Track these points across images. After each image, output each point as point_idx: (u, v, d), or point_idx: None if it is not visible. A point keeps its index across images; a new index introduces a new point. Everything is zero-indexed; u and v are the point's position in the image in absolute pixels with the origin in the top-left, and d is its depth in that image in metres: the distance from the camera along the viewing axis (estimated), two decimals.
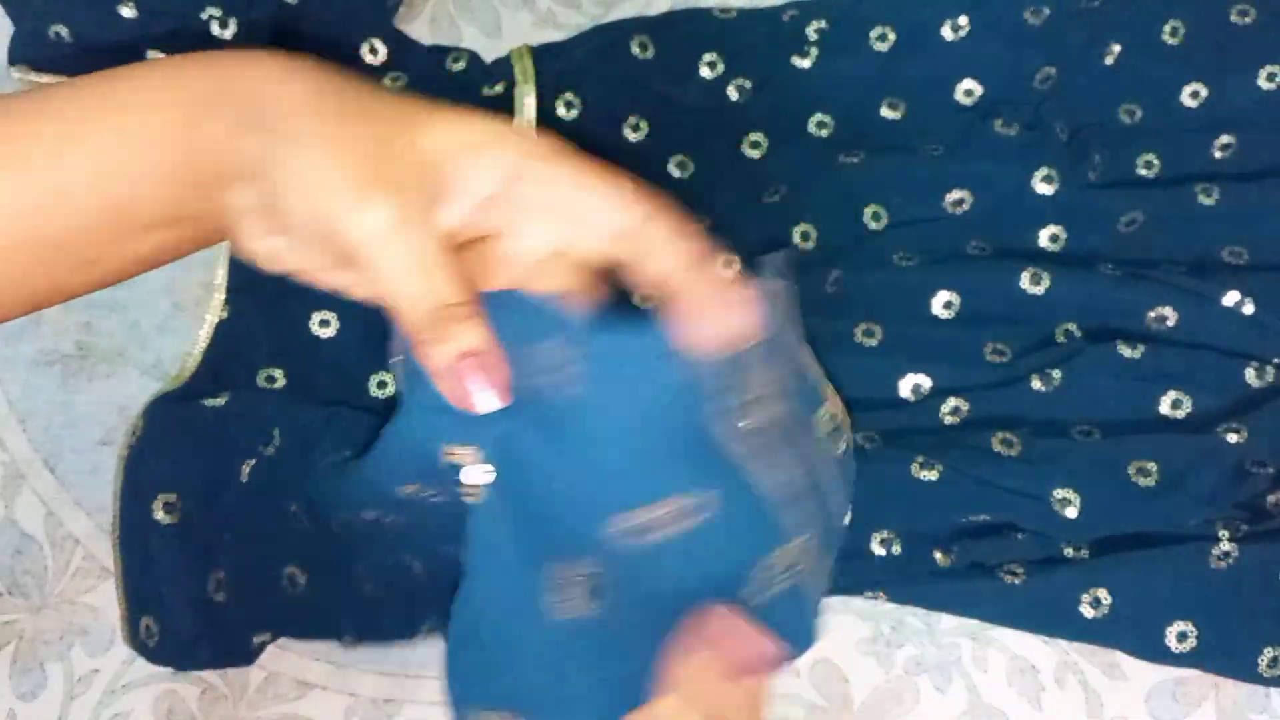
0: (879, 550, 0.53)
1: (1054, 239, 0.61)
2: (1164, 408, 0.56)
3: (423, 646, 0.55)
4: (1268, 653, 0.52)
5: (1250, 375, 0.56)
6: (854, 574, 0.53)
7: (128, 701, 0.55)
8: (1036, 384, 0.56)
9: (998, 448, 0.55)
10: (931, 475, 0.53)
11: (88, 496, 0.58)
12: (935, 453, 0.54)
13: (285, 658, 0.56)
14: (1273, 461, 0.54)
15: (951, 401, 0.57)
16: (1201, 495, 0.54)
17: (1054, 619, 0.53)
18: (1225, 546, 0.52)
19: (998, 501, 0.54)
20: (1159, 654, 0.53)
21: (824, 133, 0.64)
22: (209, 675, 0.55)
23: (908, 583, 0.53)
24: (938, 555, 0.53)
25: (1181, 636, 0.52)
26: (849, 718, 0.54)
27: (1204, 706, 0.54)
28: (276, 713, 0.55)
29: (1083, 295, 0.58)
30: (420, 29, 0.68)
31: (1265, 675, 0.52)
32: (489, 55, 0.66)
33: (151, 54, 0.57)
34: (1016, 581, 0.53)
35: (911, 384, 0.57)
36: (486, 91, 0.64)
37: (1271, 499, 0.54)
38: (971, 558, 0.53)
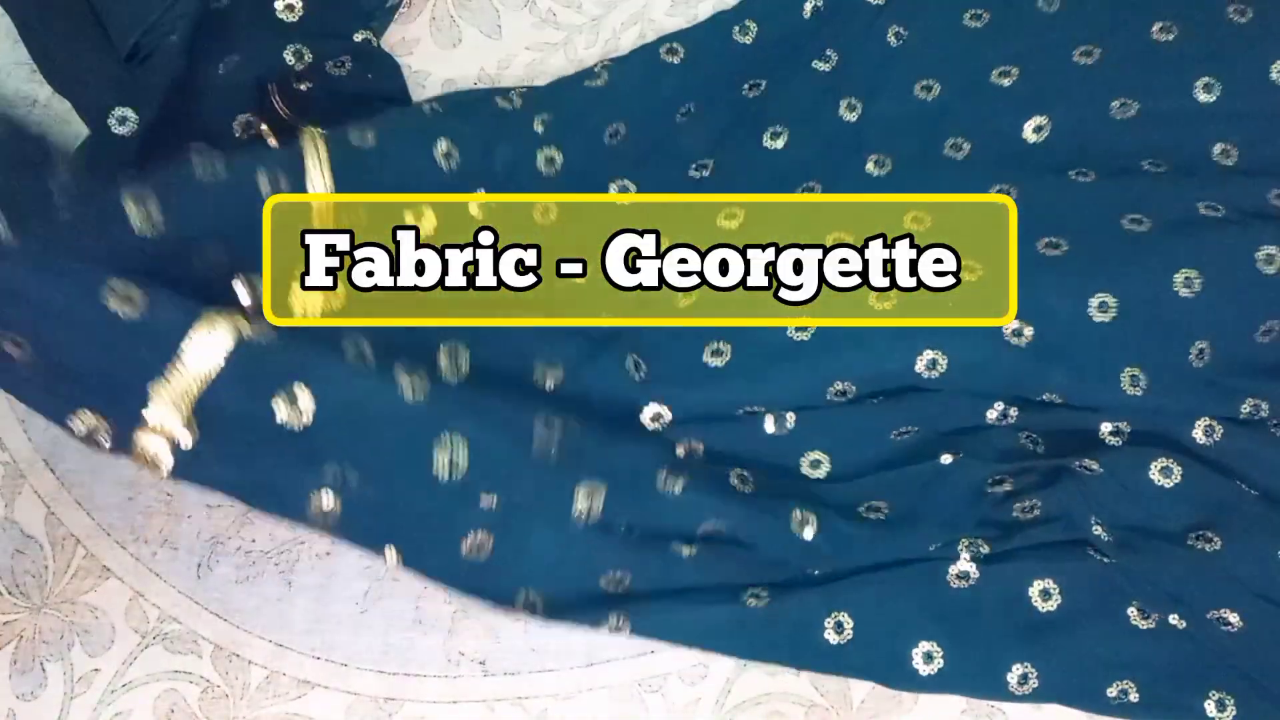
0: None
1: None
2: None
3: (423, 646, 0.55)
4: (1016, 669, 0.51)
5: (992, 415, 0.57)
6: (587, 554, 0.51)
7: (128, 701, 0.55)
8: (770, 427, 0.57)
9: (734, 482, 0.55)
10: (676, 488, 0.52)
11: (88, 496, 0.58)
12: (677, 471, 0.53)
13: (285, 657, 0.56)
14: (1008, 479, 0.54)
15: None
16: (939, 520, 0.54)
17: (797, 647, 0.52)
18: (964, 566, 0.52)
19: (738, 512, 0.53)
20: (905, 679, 0.52)
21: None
22: (210, 674, 0.55)
23: (652, 600, 0.52)
24: (682, 547, 0.52)
25: (928, 657, 0.52)
26: (849, 717, 0.54)
27: None
28: (277, 711, 0.55)
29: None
30: (420, 29, 0.68)
31: (1016, 693, 0.51)
32: (490, 56, 0.67)
33: None
34: (760, 605, 0.52)
35: (653, 413, 0.57)
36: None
37: (1018, 508, 0.54)
38: (713, 555, 0.52)
